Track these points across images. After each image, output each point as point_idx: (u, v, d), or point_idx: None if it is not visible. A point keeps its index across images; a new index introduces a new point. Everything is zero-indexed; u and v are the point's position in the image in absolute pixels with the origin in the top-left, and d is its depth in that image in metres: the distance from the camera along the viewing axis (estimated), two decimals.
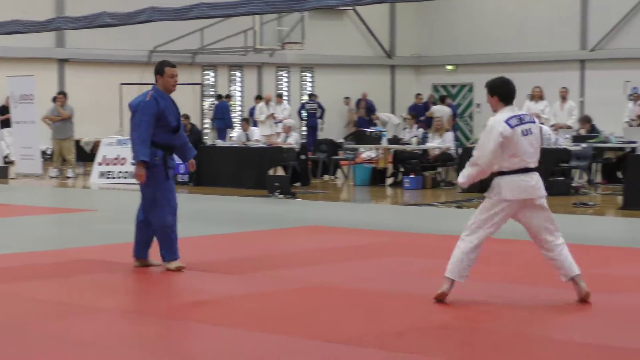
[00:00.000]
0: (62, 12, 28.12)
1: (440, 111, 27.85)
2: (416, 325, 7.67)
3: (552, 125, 23.03)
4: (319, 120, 31.95)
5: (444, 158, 20.56)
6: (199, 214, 16.27)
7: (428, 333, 7.45)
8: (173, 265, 10.02)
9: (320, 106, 32.15)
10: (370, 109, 33.68)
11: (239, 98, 33.73)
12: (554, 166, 18.29)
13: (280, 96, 30.94)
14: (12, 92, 24.19)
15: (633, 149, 18.98)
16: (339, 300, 8.78)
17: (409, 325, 7.67)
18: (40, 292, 9.10)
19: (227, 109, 31.29)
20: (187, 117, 23.57)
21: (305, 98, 33.49)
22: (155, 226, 10.03)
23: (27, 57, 28.89)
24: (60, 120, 23.44)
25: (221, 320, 7.93)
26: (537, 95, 24.35)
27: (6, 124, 26.26)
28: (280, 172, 21.30)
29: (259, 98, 30.36)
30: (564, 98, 24.39)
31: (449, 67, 36.36)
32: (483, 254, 8.63)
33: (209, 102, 32.69)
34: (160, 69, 10.12)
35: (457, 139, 25.55)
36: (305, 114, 31.99)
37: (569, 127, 23.20)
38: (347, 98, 34.33)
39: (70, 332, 7.57)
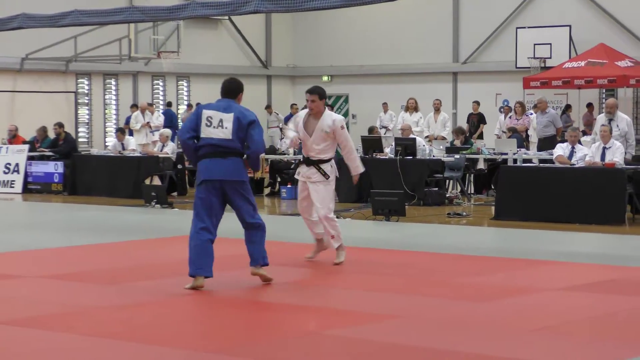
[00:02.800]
0: None
1: None
2: (288, 334, 7.70)
3: (427, 137, 23.40)
4: None
5: None
6: (74, 223, 16.04)
7: (297, 341, 7.49)
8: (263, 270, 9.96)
9: None
10: None
11: (114, 107, 33.35)
12: (428, 177, 18.56)
13: (151, 105, 30.69)
14: None
15: (504, 160, 19.39)
16: (213, 310, 8.79)
17: (282, 335, 7.70)
18: None
19: (175, 117, 31.46)
20: (61, 125, 23.23)
21: (184, 107, 33.38)
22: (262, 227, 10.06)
23: None
24: None
25: (90, 330, 7.82)
26: (411, 107, 24.73)
27: None
28: (156, 181, 21.13)
29: (134, 107, 30.09)
30: (437, 110, 24.80)
31: (325, 78, 36.60)
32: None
33: (83, 111, 32.26)
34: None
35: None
36: None
37: (443, 138, 23.58)
38: (189, 105, 33.76)
39: None
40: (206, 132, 9.61)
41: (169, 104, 31.59)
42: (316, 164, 11.07)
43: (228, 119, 9.62)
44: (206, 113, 9.67)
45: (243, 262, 11.42)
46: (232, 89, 9.94)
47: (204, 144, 9.62)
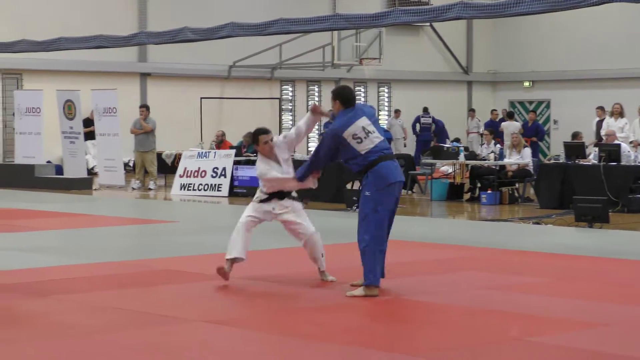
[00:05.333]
0: (144, 27, 28.46)
1: (511, 127, 27.56)
2: (490, 340, 7.58)
3: (632, 142, 22.71)
4: (432, 135, 32.10)
5: (522, 174, 20.34)
6: (275, 227, 16.26)
7: (500, 347, 7.35)
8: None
9: (434, 120, 32.35)
10: (441, 130, 33.14)
11: None
12: (632, 183, 17.99)
13: None
14: (96, 105, 24.51)
15: None
16: (411, 313, 8.74)
17: (484, 340, 7.58)
18: (121, 302, 9.17)
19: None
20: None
21: (384, 113, 33.49)
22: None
23: (111, 71, 29.27)
24: (143, 133, 23.69)
25: (293, 330, 7.91)
26: (617, 112, 24.03)
27: (90, 136, 26.62)
28: (358, 186, 21.24)
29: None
30: None
31: (526, 84, 36.05)
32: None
33: (287, 117, 32.85)
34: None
35: (535, 154, 25.23)
36: (419, 128, 32.33)
37: None
38: (397, 111, 33.65)
39: (150, 341, 7.60)
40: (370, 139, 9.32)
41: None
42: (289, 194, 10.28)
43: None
44: (361, 122, 9.32)
45: (440, 268, 11.35)
46: (354, 97, 9.64)
47: (374, 150, 9.29)
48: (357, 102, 9.61)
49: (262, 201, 10.26)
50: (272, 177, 10.07)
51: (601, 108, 26.80)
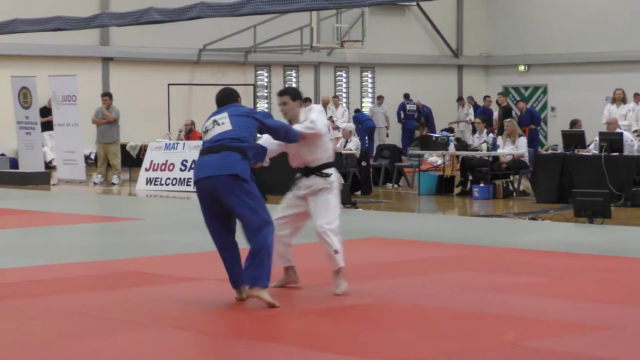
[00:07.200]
0: (107, 8, 28.38)
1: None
2: (483, 346, 7.61)
3: (635, 131, 22.82)
4: (416, 124, 32.22)
5: (517, 165, 20.40)
6: None
7: (494, 353, 7.38)
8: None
9: (418, 108, 32.52)
10: (428, 118, 33.43)
11: None
12: (636, 175, 18.07)
13: (336, 97, 30.88)
14: (54, 92, 24.40)
15: None
16: (397, 318, 8.76)
17: (476, 346, 7.61)
18: (82, 307, 9.14)
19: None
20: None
21: (368, 100, 33.52)
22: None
23: (70, 55, 29.19)
24: (106, 123, 23.61)
25: (270, 337, 7.93)
26: (619, 98, 24.16)
27: (48, 126, 26.50)
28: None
29: (307, 100, 30.46)
30: None
31: (521, 68, 36.14)
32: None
33: (262, 104, 32.85)
34: None
35: (535, 143, 25.30)
36: (404, 116, 32.49)
37: None
38: (380, 98, 33.74)
39: (114, 348, 7.60)
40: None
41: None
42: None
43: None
44: (216, 116, 9.25)
45: (428, 267, 11.38)
46: (222, 99, 9.53)
47: (206, 142, 9.32)
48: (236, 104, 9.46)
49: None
50: None
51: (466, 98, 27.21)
